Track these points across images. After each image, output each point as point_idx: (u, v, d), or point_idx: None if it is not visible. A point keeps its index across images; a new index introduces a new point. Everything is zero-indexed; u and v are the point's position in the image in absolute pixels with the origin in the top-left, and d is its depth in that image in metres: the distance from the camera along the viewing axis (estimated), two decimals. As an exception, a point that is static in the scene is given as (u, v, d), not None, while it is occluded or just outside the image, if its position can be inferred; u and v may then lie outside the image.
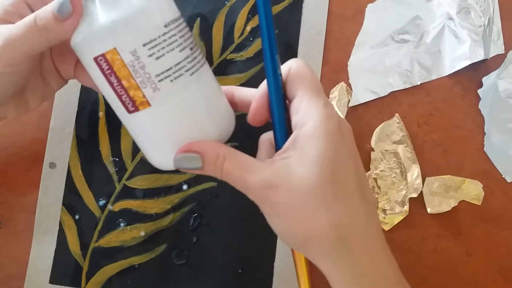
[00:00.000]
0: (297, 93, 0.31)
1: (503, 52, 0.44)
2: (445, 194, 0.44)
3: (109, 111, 0.48)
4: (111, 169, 0.48)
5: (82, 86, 0.49)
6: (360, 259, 0.29)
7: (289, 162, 0.29)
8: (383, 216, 0.44)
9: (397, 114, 0.45)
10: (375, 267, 0.29)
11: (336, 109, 0.46)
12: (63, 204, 0.48)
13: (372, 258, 0.29)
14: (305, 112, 0.29)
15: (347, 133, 0.30)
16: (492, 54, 0.44)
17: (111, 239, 0.47)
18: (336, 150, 0.28)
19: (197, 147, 0.31)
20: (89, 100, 0.49)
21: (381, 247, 0.30)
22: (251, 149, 0.46)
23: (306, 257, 0.34)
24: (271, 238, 0.45)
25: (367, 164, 0.45)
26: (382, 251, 0.30)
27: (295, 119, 0.31)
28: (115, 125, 0.48)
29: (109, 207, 0.47)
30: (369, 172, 0.45)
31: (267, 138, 0.35)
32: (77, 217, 0.47)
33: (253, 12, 0.48)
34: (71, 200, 0.48)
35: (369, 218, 0.30)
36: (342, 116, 0.46)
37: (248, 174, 0.30)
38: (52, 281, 0.47)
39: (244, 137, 0.46)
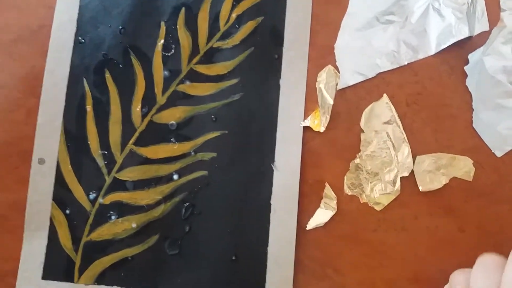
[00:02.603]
0: None
1: (487, 29, 0.44)
2: (436, 171, 0.44)
3: (97, 104, 0.48)
4: (100, 162, 0.47)
5: (69, 81, 0.49)
6: None
7: None
8: (375, 196, 0.44)
9: (385, 95, 0.45)
10: None
11: (325, 92, 0.46)
12: (53, 199, 0.47)
13: None
14: None
15: None
16: (477, 31, 0.44)
17: (103, 232, 0.46)
18: None
19: None
20: (76, 94, 0.48)
21: None
22: (240, 137, 0.46)
23: None
24: (263, 223, 0.44)
25: (357, 146, 0.45)
26: None
27: None
28: (103, 119, 0.48)
29: (100, 200, 0.47)
30: (359, 154, 0.45)
31: (462, 278, 0.32)
32: (67, 211, 0.47)
33: (238, -2, 0.48)
34: (61, 195, 0.47)
35: None
36: (331, 100, 0.46)
37: None
38: (44, 276, 0.46)
39: (233, 125, 0.46)
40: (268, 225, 0.44)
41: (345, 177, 0.45)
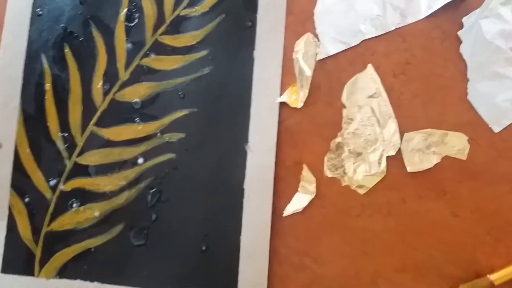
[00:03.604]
0: None
1: None
2: (426, 150, 0.39)
3: (56, 82, 0.44)
4: (61, 145, 0.44)
5: (26, 57, 0.45)
6: None
7: None
8: (358, 178, 0.40)
9: (370, 65, 0.41)
10: None
11: (303, 63, 0.41)
12: (12, 186, 0.44)
13: None
14: None
15: None
16: None
17: (64, 222, 0.43)
18: None
19: None
20: (34, 72, 0.45)
21: None
22: (210, 115, 0.42)
23: None
24: (236, 210, 0.41)
25: (338, 123, 0.40)
26: None
27: None
28: (63, 97, 0.44)
29: (60, 187, 0.43)
30: (341, 132, 0.40)
31: None
32: (27, 199, 0.44)
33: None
34: (20, 182, 0.44)
35: None
36: (310, 71, 0.41)
37: None
38: (4, 270, 0.43)
39: (202, 102, 0.42)
40: (241, 212, 0.41)
41: (326, 158, 0.40)
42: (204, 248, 0.41)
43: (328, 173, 0.40)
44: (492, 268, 0.38)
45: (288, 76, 0.42)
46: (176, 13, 0.44)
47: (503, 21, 0.39)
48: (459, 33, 0.40)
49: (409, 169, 0.39)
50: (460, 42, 0.40)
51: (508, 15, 0.39)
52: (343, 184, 0.40)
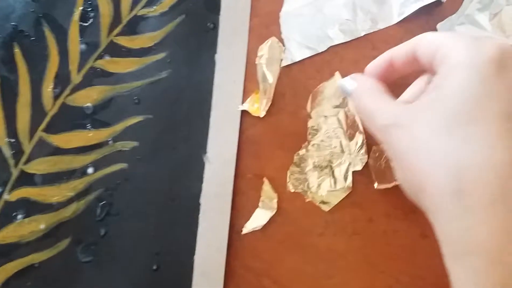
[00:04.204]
0: None
1: None
2: (395, 165, 0.36)
3: (4, 84, 0.41)
4: (7, 152, 0.41)
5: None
6: (481, 221, 0.22)
7: (424, 99, 0.25)
8: (322, 194, 0.37)
9: (337, 73, 0.38)
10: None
11: (266, 69, 0.38)
12: (-47, 196, 0.40)
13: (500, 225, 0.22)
14: (448, 44, 0.25)
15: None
16: None
17: (7, 235, 0.40)
18: (484, 85, 0.23)
19: None
20: (-18, 73, 0.42)
21: None
22: (166, 123, 0.39)
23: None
24: (191, 226, 0.38)
25: (303, 134, 0.38)
26: None
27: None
28: (10, 101, 0.41)
29: (5, 196, 0.40)
30: (305, 143, 0.37)
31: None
32: (-31, 210, 0.40)
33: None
34: (-38, 191, 0.40)
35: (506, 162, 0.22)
36: (273, 78, 0.38)
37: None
38: None
39: (158, 108, 0.39)
40: (196, 228, 0.38)
41: (288, 172, 0.38)
42: (155, 267, 0.38)
43: (291, 188, 0.38)
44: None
45: (251, 82, 0.39)
46: (134, 12, 0.42)
47: (480, 28, 0.36)
48: (433, 40, 0.37)
49: (377, 185, 0.37)
50: (433, 50, 0.37)
51: (485, 21, 0.37)
52: (307, 200, 0.37)
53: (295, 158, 0.38)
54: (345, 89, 0.30)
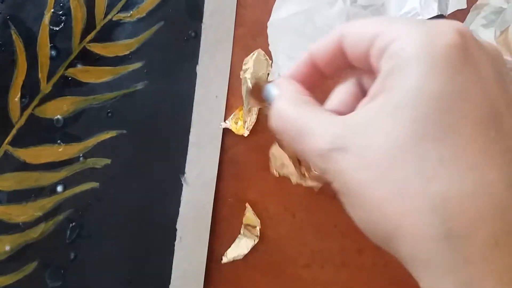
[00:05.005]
0: None
1: (465, 7, 0.35)
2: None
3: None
4: (-29, 166, 0.38)
5: None
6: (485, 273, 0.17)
7: (370, 109, 0.18)
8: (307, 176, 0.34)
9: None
10: None
11: (249, 83, 0.36)
12: None
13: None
14: (390, 31, 0.18)
15: (477, 52, 0.18)
16: (450, 9, 0.35)
17: (-30, 256, 0.37)
18: (450, 83, 0.17)
19: None
20: None
21: None
22: (142, 140, 0.37)
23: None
24: (166, 254, 0.36)
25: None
26: None
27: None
28: (-25, 109, 0.38)
29: (-32, 214, 0.37)
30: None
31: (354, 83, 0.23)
32: None
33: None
34: None
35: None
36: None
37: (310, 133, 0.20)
38: None
39: (133, 123, 0.37)
40: (171, 256, 0.36)
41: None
42: (127, 295, 0.36)
43: (275, 173, 0.35)
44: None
45: (234, 98, 0.37)
46: (109, 17, 0.39)
47: (484, 46, 0.34)
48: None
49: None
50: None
51: (490, 38, 0.34)
52: (294, 183, 0.35)
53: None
54: (269, 96, 0.22)
